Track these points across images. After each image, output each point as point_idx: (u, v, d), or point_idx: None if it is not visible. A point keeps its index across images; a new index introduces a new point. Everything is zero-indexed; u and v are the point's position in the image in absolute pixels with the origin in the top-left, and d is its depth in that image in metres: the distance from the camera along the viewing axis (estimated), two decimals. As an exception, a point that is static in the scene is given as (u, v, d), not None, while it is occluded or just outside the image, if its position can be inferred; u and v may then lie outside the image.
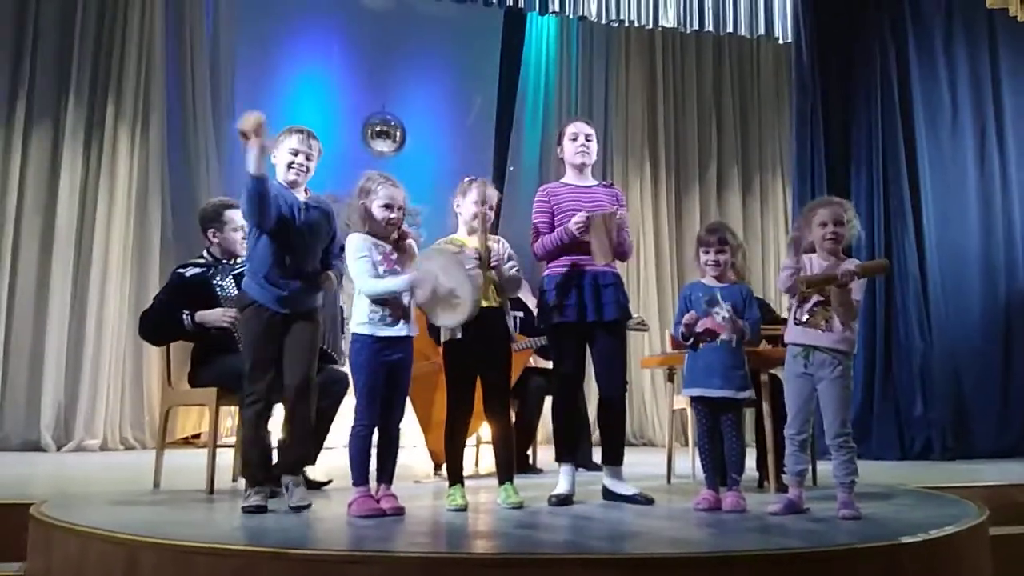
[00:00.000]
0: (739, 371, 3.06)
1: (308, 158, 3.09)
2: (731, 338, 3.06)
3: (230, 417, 5.37)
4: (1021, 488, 3.93)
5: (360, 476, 2.85)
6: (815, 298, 2.92)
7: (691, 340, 3.09)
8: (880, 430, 5.34)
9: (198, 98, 6.76)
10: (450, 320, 2.97)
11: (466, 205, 3.19)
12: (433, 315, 2.99)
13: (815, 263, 2.95)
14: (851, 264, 2.89)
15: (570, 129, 3.43)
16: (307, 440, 3.10)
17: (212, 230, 3.78)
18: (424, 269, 2.94)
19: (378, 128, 7.56)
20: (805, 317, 2.93)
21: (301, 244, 3.04)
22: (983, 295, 5.68)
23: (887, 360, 5.44)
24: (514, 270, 3.16)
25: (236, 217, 3.69)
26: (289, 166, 3.06)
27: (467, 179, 3.22)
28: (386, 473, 2.92)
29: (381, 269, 2.93)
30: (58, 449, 5.74)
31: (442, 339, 3.16)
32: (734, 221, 7.40)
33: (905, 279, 5.47)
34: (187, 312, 3.55)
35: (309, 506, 2.86)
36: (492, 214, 3.20)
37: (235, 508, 2.97)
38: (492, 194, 3.19)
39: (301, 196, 3.09)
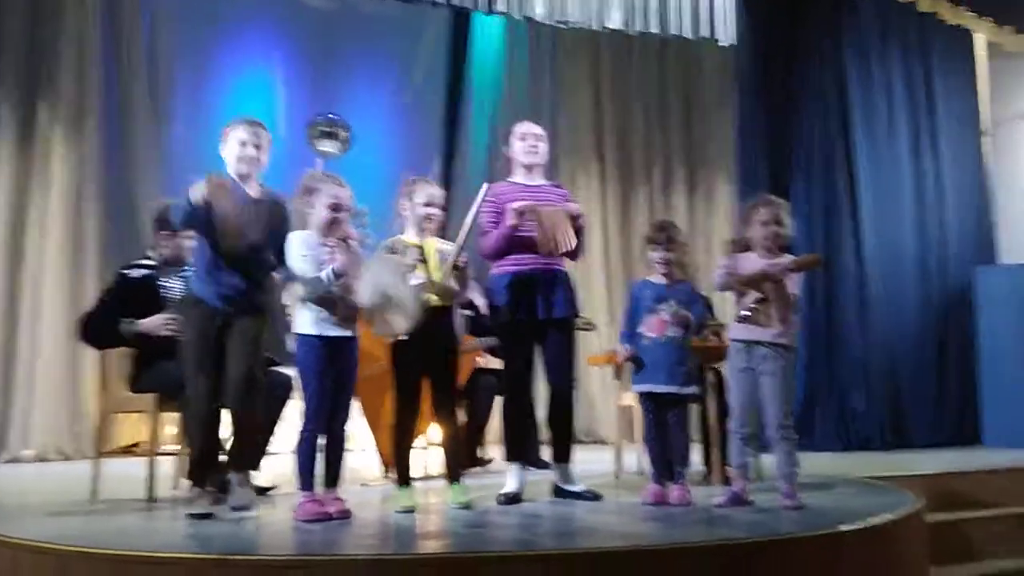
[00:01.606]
0: (683, 367, 3.11)
1: (258, 148, 3.01)
2: (676, 335, 3.10)
3: (170, 425, 5.24)
4: (956, 476, 4.08)
5: (306, 481, 2.81)
6: (754, 295, 2.98)
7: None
8: (822, 423, 5.48)
9: (137, 100, 6.58)
10: (387, 330, 2.94)
11: (413, 206, 3.17)
12: (373, 323, 2.94)
13: (753, 260, 3.01)
14: (786, 260, 2.96)
15: (519, 129, 3.46)
16: (254, 436, 3.03)
17: (165, 232, 3.66)
18: (370, 273, 2.90)
19: (323, 129, 7.45)
20: (745, 313, 2.99)
21: (247, 242, 2.97)
22: (918, 291, 5.86)
23: (828, 354, 5.58)
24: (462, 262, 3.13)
25: None
26: (238, 158, 2.99)
27: (410, 179, 3.20)
28: (333, 476, 2.88)
29: (329, 268, 2.88)
30: (-9, 461, 5.55)
31: (388, 340, 3.13)
32: (680, 219, 7.47)
33: (844, 276, 5.62)
34: (127, 320, 3.45)
35: (249, 508, 2.80)
36: (441, 213, 3.18)
37: (176, 516, 2.91)
38: (437, 193, 3.17)
39: (252, 190, 3.02)
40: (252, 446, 3.02)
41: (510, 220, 3.19)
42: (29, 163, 6.01)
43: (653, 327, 3.13)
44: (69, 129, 6.12)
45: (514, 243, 3.25)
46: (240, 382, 2.88)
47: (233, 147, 2.99)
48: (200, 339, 2.91)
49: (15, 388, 5.74)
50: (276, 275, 3.07)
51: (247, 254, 2.94)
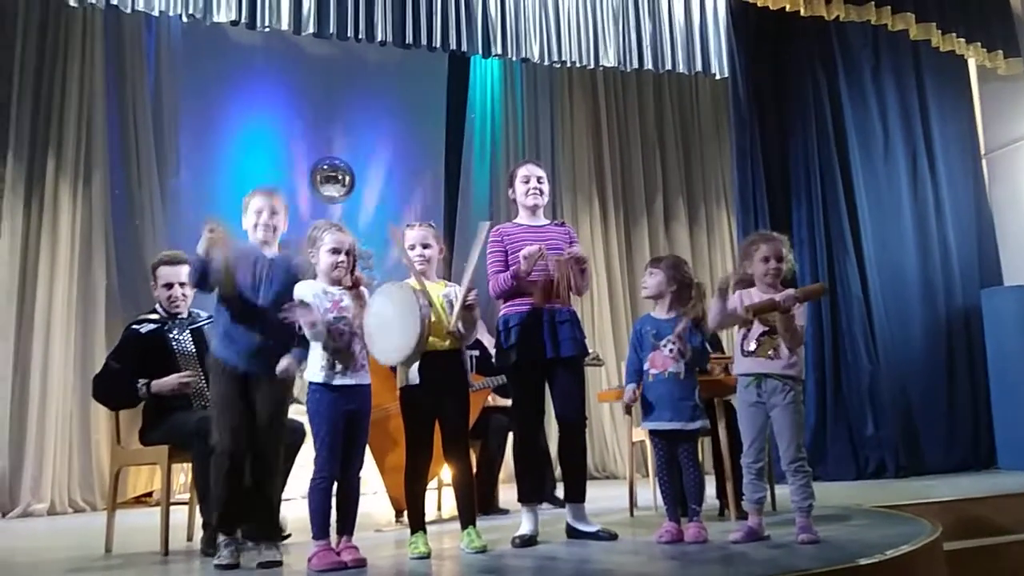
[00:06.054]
0: (688, 402, 3.10)
1: (273, 215, 3.12)
2: (679, 370, 3.10)
3: (183, 474, 5.24)
4: (972, 502, 4.04)
5: (320, 529, 2.80)
6: (760, 328, 2.99)
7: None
8: (835, 451, 5.43)
9: (142, 152, 6.68)
10: (387, 357, 2.95)
11: (403, 252, 3.22)
12: (373, 349, 2.96)
13: (754, 296, 3.03)
14: (792, 290, 2.98)
15: (522, 172, 3.49)
16: (277, 506, 3.07)
17: (152, 283, 3.77)
18: (375, 302, 2.92)
19: (327, 173, 7.55)
20: (752, 347, 3.00)
21: (266, 300, 3.03)
22: (924, 314, 5.85)
23: (837, 382, 5.55)
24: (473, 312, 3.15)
25: (165, 274, 3.68)
26: (255, 227, 3.11)
27: (402, 227, 3.25)
28: (347, 524, 2.87)
29: (330, 317, 2.90)
30: (3, 516, 5.52)
31: (398, 384, 3.14)
32: (682, 252, 7.52)
33: (849, 302, 5.62)
34: (143, 381, 3.47)
35: (280, 563, 2.82)
36: (432, 253, 3.19)
37: (191, 570, 2.90)
38: (420, 234, 3.19)
39: (270, 253, 3.12)
40: (273, 513, 3.05)
41: (521, 267, 3.21)
42: (36, 217, 6.08)
43: (656, 363, 3.14)
44: (76, 182, 6.20)
45: (522, 284, 3.27)
46: (265, 459, 2.93)
47: (251, 217, 3.11)
48: (227, 400, 2.95)
49: (26, 441, 5.74)
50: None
51: (268, 314, 2.98)
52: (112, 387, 3.58)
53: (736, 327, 3.10)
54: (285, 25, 5.30)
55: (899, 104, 6.12)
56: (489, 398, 4.77)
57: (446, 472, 4.23)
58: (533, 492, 3.30)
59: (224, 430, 2.92)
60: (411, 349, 2.86)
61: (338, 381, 2.86)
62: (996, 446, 5.68)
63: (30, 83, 6.15)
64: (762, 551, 2.74)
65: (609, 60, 6.27)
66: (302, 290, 2.92)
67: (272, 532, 3.00)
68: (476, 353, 4.83)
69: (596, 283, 7.31)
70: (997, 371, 5.71)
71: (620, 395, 4.29)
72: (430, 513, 3.50)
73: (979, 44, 6.15)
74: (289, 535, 3.56)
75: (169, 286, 3.67)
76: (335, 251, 2.94)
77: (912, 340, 5.77)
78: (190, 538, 3.72)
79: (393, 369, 3.28)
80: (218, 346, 3.01)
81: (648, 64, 6.37)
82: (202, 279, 2.94)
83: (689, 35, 6.45)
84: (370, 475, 4.66)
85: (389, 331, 2.88)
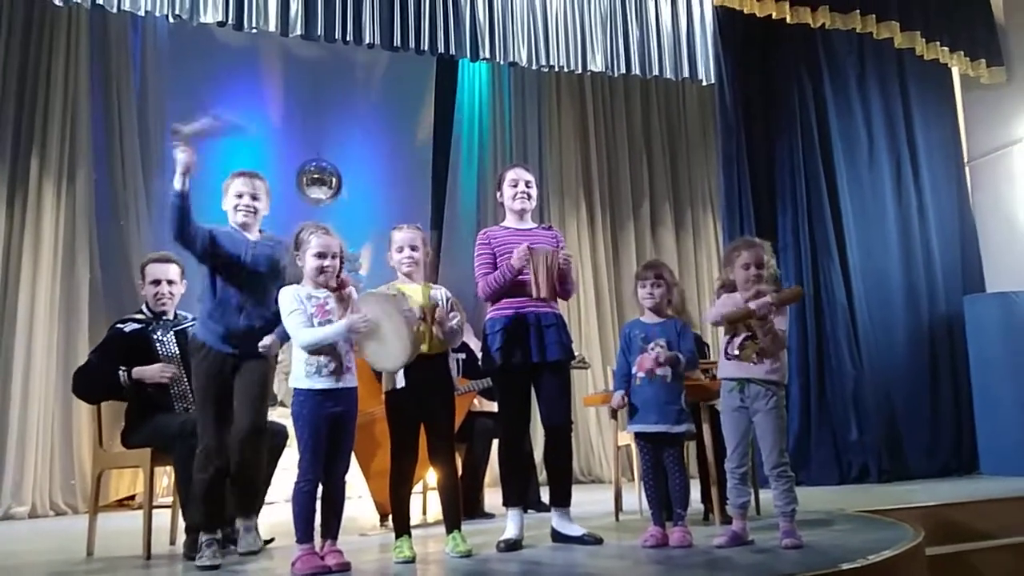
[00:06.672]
0: (674, 406, 3.11)
1: (254, 198, 3.12)
2: (666, 373, 3.12)
3: (165, 476, 5.20)
4: (954, 507, 4.07)
5: (304, 533, 2.78)
6: (743, 333, 3.00)
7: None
8: (818, 456, 5.46)
9: (127, 152, 6.63)
10: (383, 363, 2.95)
11: (392, 254, 3.21)
12: (369, 358, 2.95)
13: (737, 301, 3.05)
14: (767, 296, 2.99)
15: (510, 175, 3.50)
16: (259, 482, 3.07)
17: (140, 282, 3.75)
18: (363, 313, 2.93)
19: (314, 176, 7.52)
20: (735, 352, 3.01)
21: (249, 283, 3.03)
22: (908, 320, 5.89)
23: (821, 387, 5.58)
24: (455, 321, 3.13)
25: (153, 271, 3.68)
26: (236, 208, 3.11)
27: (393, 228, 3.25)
28: (331, 528, 2.86)
29: (315, 321, 2.88)
30: (-17, 519, 5.48)
31: (384, 388, 3.14)
32: (668, 257, 7.56)
33: (833, 308, 5.66)
34: (123, 368, 3.45)
35: (259, 552, 2.82)
36: (420, 255, 3.20)
37: (173, 573, 2.89)
38: (406, 236, 3.19)
39: (253, 237, 3.10)
40: (256, 490, 3.05)
41: (515, 257, 3.21)
42: (19, 217, 6.03)
43: (643, 366, 3.15)
44: (60, 181, 6.16)
45: (509, 287, 3.27)
46: (247, 433, 2.92)
47: (231, 200, 3.11)
48: (209, 385, 2.95)
49: (7, 443, 5.69)
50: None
51: (252, 297, 2.98)
52: (92, 381, 3.55)
53: (721, 329, 3.11)
54: (272, 27, 5.28)
55: (884, 111, 6.17)
56: (475, 401, 4.77)
57: (431, 476, 4.23)
58: (518, 496, 3.30)
59: (207, 426, 2.92)
60: (406, 356, 2.88)
61: (323, 385, 2.84)
62: (978, 451, 5.73)
63: (14, 82, 6.11)
64: (746, 555, 2.75)
65: (597, 65, 6.28)
66: (287, 295, 2.90)
67: (252, 505, 2.99)
68: (462, 356, 4.83)
69: (583, 287, 7.33)
70: (979, 377, 5.76)
71: (606, 399, 4.30)
72: (415, 517, 3.49)
73: (962, 53, 6.22)
74: (272, 539, 3.55)
75: (156, 283, 3.66)
76: (321, 255, 2.92)
77: (896, 346, 5.81)
78: (173, 542, 3.68)
79: (378, 373, 3.28)
80: (201, 329, 3.01)
81: (635, 69, 6.39)
82: (183, 221, 2.93)
83: (676, 41, 6.47)
84: (355, 479, 4.65)
85: (380, 338, 2.88)
